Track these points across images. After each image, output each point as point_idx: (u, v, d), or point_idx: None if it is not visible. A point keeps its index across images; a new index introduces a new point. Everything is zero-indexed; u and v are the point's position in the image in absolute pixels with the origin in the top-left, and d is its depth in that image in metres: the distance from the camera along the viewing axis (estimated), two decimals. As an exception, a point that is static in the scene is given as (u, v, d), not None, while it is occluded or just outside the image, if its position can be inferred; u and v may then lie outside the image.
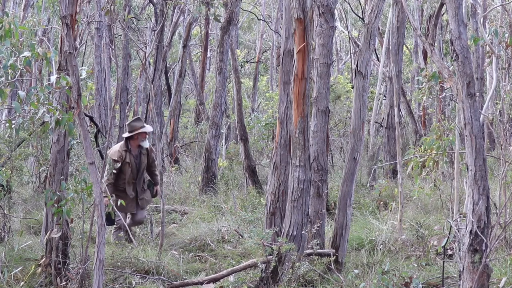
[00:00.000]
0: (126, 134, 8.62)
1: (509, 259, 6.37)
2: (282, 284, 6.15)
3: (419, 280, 5.39)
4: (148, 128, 8.60)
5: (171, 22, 14.79)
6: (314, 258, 6.77)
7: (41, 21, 9.99)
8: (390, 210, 9.34)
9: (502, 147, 7.50)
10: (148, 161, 8.65)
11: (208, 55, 22.65)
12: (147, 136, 8.57)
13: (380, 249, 7.54)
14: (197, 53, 24.60)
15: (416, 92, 9.92)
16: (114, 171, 8.27)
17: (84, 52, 24.29)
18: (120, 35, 18.72)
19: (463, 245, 4.58)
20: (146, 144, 8.48)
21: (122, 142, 8.47)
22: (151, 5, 17.44)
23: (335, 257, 6.75)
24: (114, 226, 8.60)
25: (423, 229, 7.95)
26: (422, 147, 8.81)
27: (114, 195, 8.19)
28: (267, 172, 11.98)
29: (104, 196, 7.27)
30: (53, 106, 5.50)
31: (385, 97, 13.95)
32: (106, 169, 8.17)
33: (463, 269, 4.60)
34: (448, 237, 6.17)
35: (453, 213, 7.56)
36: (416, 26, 6.62)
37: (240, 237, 8.69)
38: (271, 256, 6.13)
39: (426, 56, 16.13)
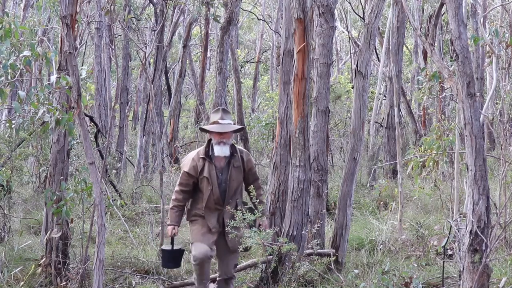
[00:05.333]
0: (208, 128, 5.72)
1: (509, 259, 6.37)
2: (282, 284, 6.14)
3: (419, 280, 5.38)
4: (227, 125, 5.64)
5: (171, 22, 14.80)
6: (314, 258, 6.77)
7: (41, 21, 9.99)
8: (390, 210, 9.34)
9: (502, 147, 7.50)
10: (246, 176, 5.84)
11: (208, 55, 22.65)
12: (226, 137, 5.65)
13: (380, 249, 7.54)
14: (197, 53, 24.61)
15: (416, 92, 9.92)
16: (184, 188, 5.68)
17: (84, 52, 24.31)
18: (120, 35, 18.72)
19: (463, 245, 4.58)
20: (224, 151, 5.62)
21: (203, 146, 5.78)
22: (151, 5, 17.44)
23: (335, 257, 6.75)
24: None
25: (423, 229, 7.95)
26: (422, 147, 8.81)
27: (190, 223, 5.81)
28: (267, 172, 11.98)
29: (168, 224, 5.72)
30: (53, 106, 5.51)
31: (385, 97, 13.95)
32: (177, 184, 5.75)
33: (463, 269, 4.60)
34: (448, 237, 6.17)
35: (453, 213, 7.56)
36: (416, 26, 6.62)
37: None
38: (271, 256, 6.13)
39: (426, 56, 16.14)
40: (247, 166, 5.79)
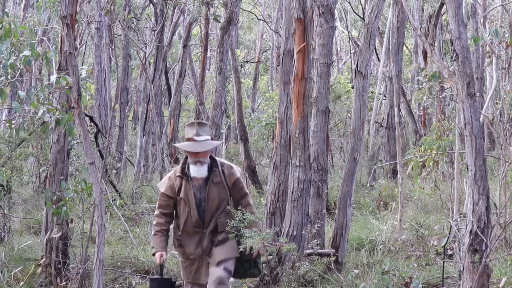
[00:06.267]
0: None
1: (509, 259, 6.37)
2: (282, 284, 6.14)
3: (419, 280, 5.38)
4: (203, 142, 4.95)
5: (171, 22, 14.80)
6: (314, 258, 6.77)
7: (41, 21, 9.98)
8: (390, 210, 9.34)
9: (502, 147, 7.50)
10: (231, 193, 5.10)
11: (208, 55, 22.64)
12: (203, 156, 4.96)
13: (380, 249, 7.54)
14: (197, 53, 24.60)
15: (416, 92, 9.94)
16: (163, 211, 5.05)
17: (84, 52, 24.30)
18: (120, 35, 18.72)
19: (463, 245, 4.58)
20: (200, 171, 4.96)
21: (180, 164, 5.14)
22: (151, 5, 17.45)
23: (335, 257, 6.75)
24: None
25: (423, 229, 7.95)
26: (422, 147, 8.81)
27: (180, 255, 5.20)
28: (267, 172, 11.98)
29: (153, 253, 5.07)
30: (53, 106, 5.51)
31: (385, 97, 13.95)
32: (156, 207, 5.14)
33: (463, 269, 4.59)
34: (448, 237, 6.17)
35: (453, 213, 7.55)
36: (416, 26, 6.62)
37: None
38: (271, 256, 6.13)
39: (426, 56, 16.14)
40: (229, 181, 5.03)
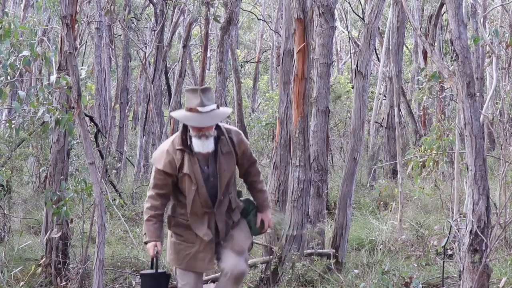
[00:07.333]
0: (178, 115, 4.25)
1: (509, 259, 6.37)
2: (282, 284, 6.14)
3: (419, 280, 5.39)
4: (210, 114, 4.10)
5: (171, 22, 14.80)
6: (314, 258, 6.77)
7: (41, 21, 9.99)
8: (390, 210, 9.34)
9: (502, 147, 7.51)
10: (239, 161, 4.37)
11: (208, 55, 22.66)
12: (209, 129, 4.15)
13: (380, 249, 7.54)
14: (197, 53, 24.62)
15: (416, 92, 9.94)
16: (160, 191, 4.24)
17: (84, 52, 24.31)
18: (120, 35, 18.73)
19: (463, 245, 4.58)
20: (206, 146, 4.16)
21: (178, 133, 4.25)
22: (151, 5, 17.46)
23: (335, 257, 6.75)
24: None
25: (423, 229, 7.96)
26: (422, 147, 8.81)
27: (173, 235, 4.43)
28: (267, 172, 11.98)
29: (145, 242, 4.29)
30: (53, 106, 5.51)
31: (385, 97, 13.97)
32: (150, 187, 4.30)
33: (463, 269, 4.60)
34: (448, 237, 6.17)
35: (453, 213, 7.56)
36: (416, 26, 6.62)
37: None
38: (271, 256, 6.13)
39: (426, 56, 16.15)
40: (239, 149, 4.29)
